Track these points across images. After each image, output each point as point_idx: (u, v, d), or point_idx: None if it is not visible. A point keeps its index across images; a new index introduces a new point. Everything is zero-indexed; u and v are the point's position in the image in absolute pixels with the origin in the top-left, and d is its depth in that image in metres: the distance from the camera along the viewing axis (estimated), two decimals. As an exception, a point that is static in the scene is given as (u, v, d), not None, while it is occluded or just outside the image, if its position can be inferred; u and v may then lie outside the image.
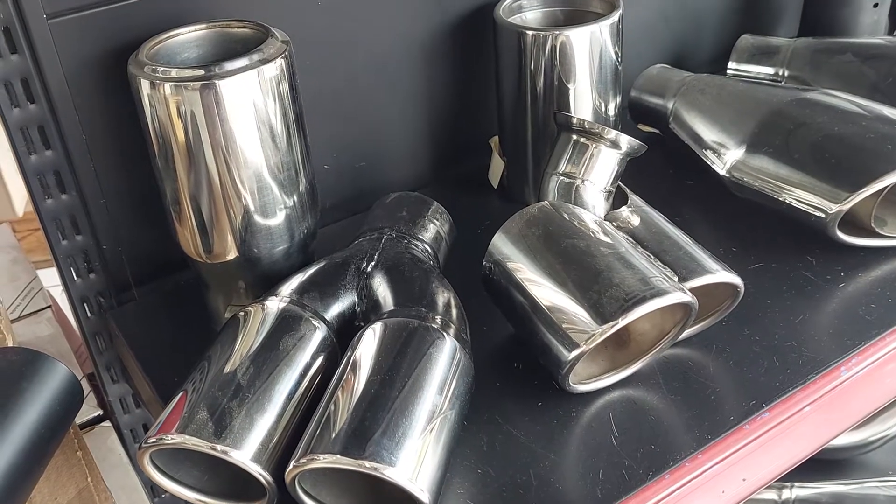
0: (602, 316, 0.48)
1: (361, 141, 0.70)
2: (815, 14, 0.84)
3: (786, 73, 0.77)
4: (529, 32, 0.63)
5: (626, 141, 0.56)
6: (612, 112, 0.68)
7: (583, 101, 0.65)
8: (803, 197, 0.59)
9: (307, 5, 0.63)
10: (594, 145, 0.56)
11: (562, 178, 0.57)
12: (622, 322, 0.47)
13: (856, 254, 0.60)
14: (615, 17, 0.64)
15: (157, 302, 0.64)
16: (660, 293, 0.48)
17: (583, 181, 0.56)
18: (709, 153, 0.65)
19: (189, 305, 0.62)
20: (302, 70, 0.57)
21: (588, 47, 0.63)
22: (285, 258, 0.57)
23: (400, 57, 0.69)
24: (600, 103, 0.66)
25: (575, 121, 0.56)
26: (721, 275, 0.52)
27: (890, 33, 0.87)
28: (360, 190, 0.72)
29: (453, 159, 0.76)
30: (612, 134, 0.56)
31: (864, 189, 0.56)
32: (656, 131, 0.74)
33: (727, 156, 0.64)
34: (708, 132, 0.66)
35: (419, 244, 0.57)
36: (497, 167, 0.71)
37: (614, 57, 0.66)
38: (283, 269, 0.57)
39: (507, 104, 0.68)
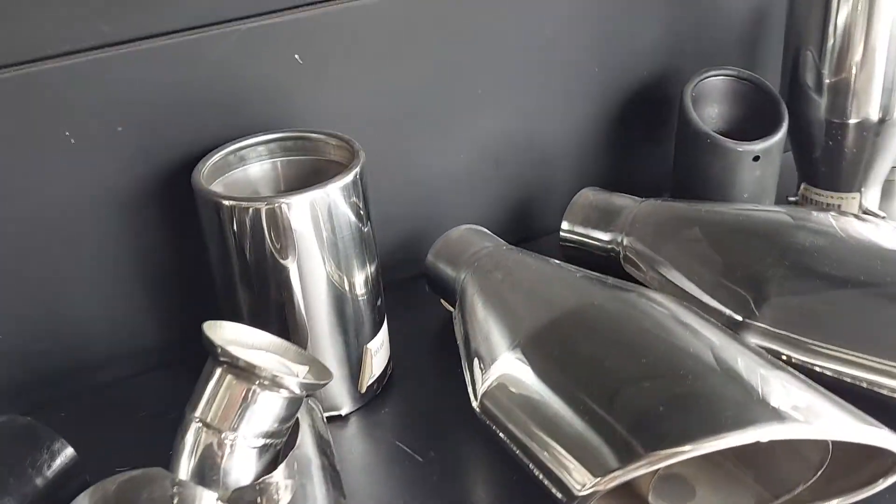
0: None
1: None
2: (685, 165, 0.67)
3: (624, 243, 0.60)
4: (225, 203, 0.48)
5: (294, 383, 0.40)
6: (360, 289, 0.52)
7: (312, 279, 0.50)
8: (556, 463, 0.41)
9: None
10: (246, 386, 0.40)
11: (201, 426, 0.40)
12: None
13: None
14: (349, 176, 0.49)
15: None
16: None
17: (229, 432, 0.40)
18: (469, 366, 0.49)
19: None
20: None
21: (310, 214, 0.48)
22: None
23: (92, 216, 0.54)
24: (340, 278, 0.51)
25: (219, 350, 0.40)
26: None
27: (796, 192, 0.70)
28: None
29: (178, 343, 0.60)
30: (266, 373, 0.39)
31: (627, 468, 0.39)
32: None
33: (486, 374, 0.47)
34: (474, 334, 0.50)
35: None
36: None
37: (354, 218, 0.50)
38: None
39: (219, 285, 0.52)
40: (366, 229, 0.52)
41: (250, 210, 0.47)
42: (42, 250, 0.54)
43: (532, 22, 0.64)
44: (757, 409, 0.36)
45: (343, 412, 0.54)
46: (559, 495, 0.38)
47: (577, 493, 0.37)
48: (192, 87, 0.54)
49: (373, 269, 0.53)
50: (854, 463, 0.41)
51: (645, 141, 0.73)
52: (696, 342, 0.42)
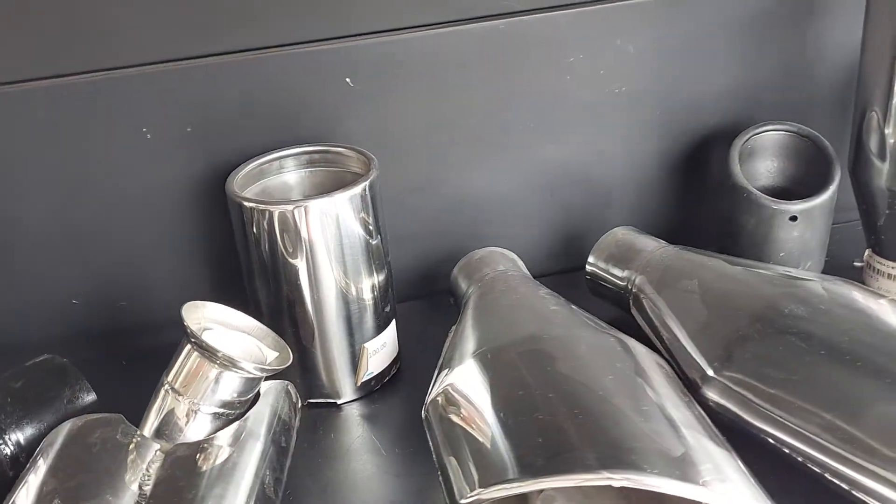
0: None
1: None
2: (724, 218, 0.66)
3: (636, 282, 0.61)
4: (246, 204, 0.55)
5: (250, 366, 0.46)
6: (366, 294, 0.58)
7: (320, 280, 0.56)
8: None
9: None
10: (208, 363, 0.47)
11: (169, 390, 0.47)
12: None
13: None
14: (357, 188, 0.55)
15: None
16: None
17: (191, 399, 0.47)
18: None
19: None
20: None
21: (319, 221, 0.54)
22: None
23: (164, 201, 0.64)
24: (346, 283, 0.56)
25: (188, 330, 0.47)
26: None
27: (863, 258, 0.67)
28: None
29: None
30: (224, 355, 0.46)
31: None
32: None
33: (435, 385, 0.50)
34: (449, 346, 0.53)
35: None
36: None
37: (361, 230, 0.56)
38: None
39: (245, 276, 0.59)
40: (374, 241, 0.57)
41: (266, 213, 0.54)
42: (123, 226, 0.64)
43: (596, 57, 0.67)
44: (626, 456, 0.38)
45: (338, 402, 0.60)
46: (456, 499, 0.41)
47: (462, 500, 0.40)
48: (253, 101, 0.62)
49: (381, 278, 0.59)
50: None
51: (701, 189, 0.73)
52: (631, 388, 0.44)
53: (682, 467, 0.38)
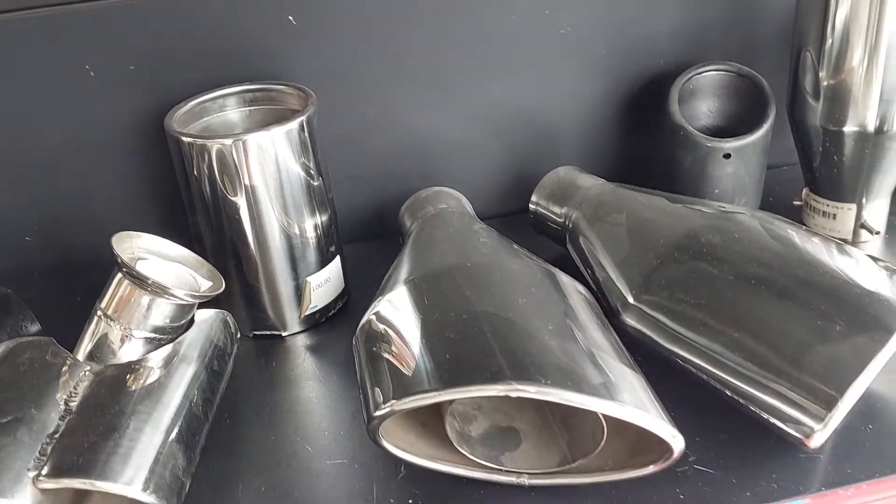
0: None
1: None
2: (663, 156, 0.67)
3: (572, 218, 0.62)
4: (185, 139, 0.56)
5: (181, 293, 0.48)
6: (309, 232, 0.59)
7: (261, 217, 0.57)
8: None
9: None
10: (139, 290, 0.48)
11: (102, 316, 0.49)
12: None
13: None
14: (294, 123, 0.56)
15: None
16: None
17: (123, 325, 0.48)
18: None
19: None
20: None
21: (257, 156, 0.55)
22: None
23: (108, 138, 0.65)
24: (288, 223, 0.58)
25: (118, 260, 0.48)
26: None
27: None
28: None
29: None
30: (153, 282, 0.47)
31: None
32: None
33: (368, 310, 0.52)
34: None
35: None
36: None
37: (300, 167, 0.57)
38: None
39: (188, 213, 0.60)
40: (315, 179, 0.59)
41: (203, 148, 0.55)
42: (71, 164, 0.65)
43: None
44: (525, 369, 0.40)
45: (283, 333, 0.61)
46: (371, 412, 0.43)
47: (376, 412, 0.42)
48: (195, 38, 0.62)
49: (324, 215, 0.60)
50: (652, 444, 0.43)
51: (647, 128, 0.74)
52: (542, 311, 0.46)
53: (579, 380, 0.39)
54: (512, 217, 0.75)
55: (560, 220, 0.63)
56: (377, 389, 0.43)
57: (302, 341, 0.61)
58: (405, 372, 0.43)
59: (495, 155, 0.73)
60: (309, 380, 0.57)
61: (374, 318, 0.49)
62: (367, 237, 0.73)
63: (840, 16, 0.59)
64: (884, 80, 0.59)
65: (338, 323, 0.63)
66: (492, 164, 0.74)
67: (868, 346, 0.41)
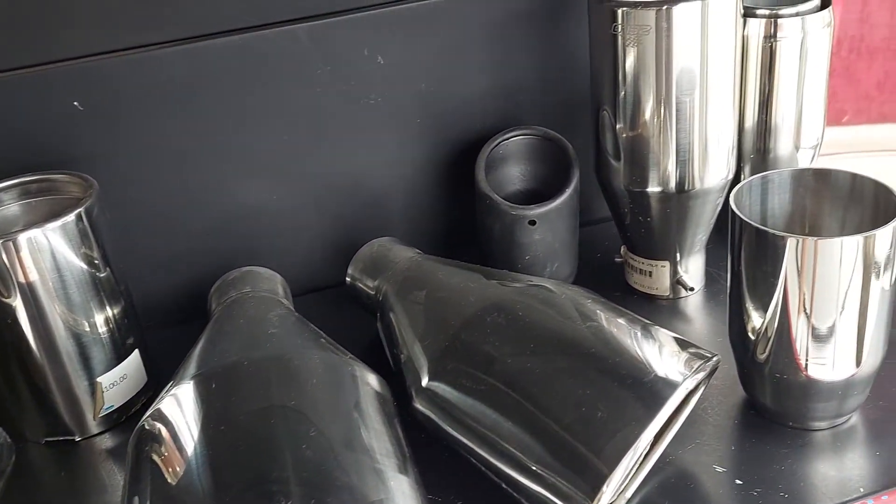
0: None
1: None
2: (478, 224, 0.67)
3: (384, 291, 0.60)
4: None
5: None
6: (101, 327, 0.56)
7: (45, 317, 0.54)
8: None
9: None
10: None
11: None
12: None
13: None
14: (70, 216, 0.53)
15: None
16: None
17: None
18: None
19: None
20: None
21: (30, 255, 0.52)
22: None
23: None
24: (74, 320, 0.55)
25: None
26: None
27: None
28: None
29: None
30: None
31: None
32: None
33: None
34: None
35: None
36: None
37: (83, 261, 0.54)
38: None
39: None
40: (103, 274, 0.56)
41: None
42: None
43: (344, 69, 0.66)
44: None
45: (77, 437, 0.58)
46: None
47: None
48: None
49: (116, 310, 0.57)
50: None
51: (463, 196, 0.72)
52: (313, 414, 0.44)
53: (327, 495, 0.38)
54: (339, 288, 0.73)
55: (373, 293, 0.62)
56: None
57: (98, 445, 0.58)
58: (170, 481, 0.40)
59: (318, 226, 0.72)
60: (93, 491, 0.54)
61: (147, 422, 0.47)
62: (183, 320, 0.70)
63: (629, 64, 0.58)
64: (678, 131, 0.59)
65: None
66: (314, 236, 0.72)
67: (625, 436, 0.40)
